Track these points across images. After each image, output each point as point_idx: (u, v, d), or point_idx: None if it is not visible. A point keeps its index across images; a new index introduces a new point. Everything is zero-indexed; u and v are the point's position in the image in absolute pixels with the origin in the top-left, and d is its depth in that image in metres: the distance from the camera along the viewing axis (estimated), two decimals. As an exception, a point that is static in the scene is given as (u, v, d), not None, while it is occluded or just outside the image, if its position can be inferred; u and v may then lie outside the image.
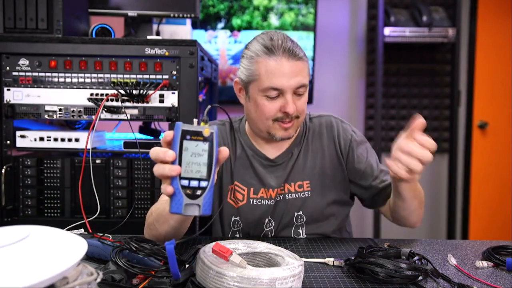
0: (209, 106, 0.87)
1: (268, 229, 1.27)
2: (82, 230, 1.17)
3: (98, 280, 0.64)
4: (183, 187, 0.77)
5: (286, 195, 1.26)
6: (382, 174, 1.29)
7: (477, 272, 0.98)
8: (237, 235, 1.28)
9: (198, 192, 0.78)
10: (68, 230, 1.19)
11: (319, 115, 1.35)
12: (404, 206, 1.15)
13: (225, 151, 0.82)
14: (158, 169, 0.80)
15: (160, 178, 0.81)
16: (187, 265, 0.85)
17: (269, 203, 1.26)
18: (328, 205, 1.27)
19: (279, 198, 1.26)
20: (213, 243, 0.81)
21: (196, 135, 0.78)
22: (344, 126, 1.33)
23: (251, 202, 1.26)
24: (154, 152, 0.80)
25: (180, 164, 0.77)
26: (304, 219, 1.26)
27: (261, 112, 1.20)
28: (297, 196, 1.26)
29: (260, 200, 1.26)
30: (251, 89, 1.21)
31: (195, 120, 0.82)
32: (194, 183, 0.77)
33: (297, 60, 1.16)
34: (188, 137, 0.78)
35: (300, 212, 1.26)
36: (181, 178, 0.77)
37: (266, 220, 1.26)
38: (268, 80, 1.15)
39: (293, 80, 1.15)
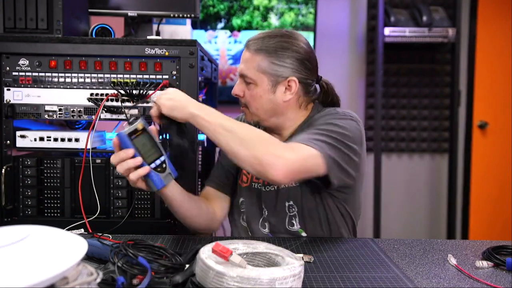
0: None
1: (265, 215, 1.30)
2: (82, 230, 1.17)
3: (98, 280, 0.64)
4: (154, 168, 1.07)
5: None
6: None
7: (477, 272, 0.98)
8: (243, 218, 1.34)
9: (164, 165, 1.09)
10: (68, 230, 1.19)
11: (326, 111, 1.31)
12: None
13: (154, 128, 1.11)
14: (122, 166, 1.03)
15: (125, 173, 1.04)
16: (187, 266, 0.85)
17: (264, 189, 1.30)
18: (313, 194, 1.25)
19: (273, 188, 1.28)
20: (213, 243, 0.81)
21: (137, 132, 1.06)
22: (327, 111, 1.29)
23: (253, 186, 1.32)
24: (116, 157, 1.04)
25: (141, 156, 1.05)
26: (296, 209, 1.27)
27: None
28: (286, 185, 1.26)
29: (261, 185, 1.31)
30: None
31: (125, 124, 1.11)
32: (158, 162, 1.08)
33: (246, 50, 1.27)
34: (133, 136, 1.05)
35: (291, 202, 1.27)
36: (149, 163, 1.06)
37: (263, 205, 1.30)
38: None
39: (241, 66, 1.28)
